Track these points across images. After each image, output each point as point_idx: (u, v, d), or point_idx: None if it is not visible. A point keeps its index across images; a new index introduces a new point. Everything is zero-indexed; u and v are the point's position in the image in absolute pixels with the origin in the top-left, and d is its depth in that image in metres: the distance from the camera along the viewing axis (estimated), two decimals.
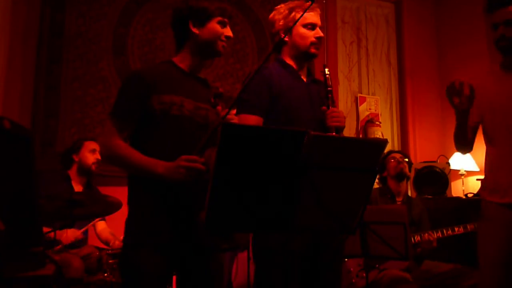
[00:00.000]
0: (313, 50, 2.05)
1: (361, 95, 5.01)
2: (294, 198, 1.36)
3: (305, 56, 2.08)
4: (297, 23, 2.01)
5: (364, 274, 2.65)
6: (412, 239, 2.91)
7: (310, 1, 1.91)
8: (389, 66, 5.23)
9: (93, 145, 3.24)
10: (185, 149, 1.66)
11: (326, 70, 2.03)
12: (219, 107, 1.76)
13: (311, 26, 2.05)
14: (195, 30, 1.80)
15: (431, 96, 5.15)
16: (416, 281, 2.94)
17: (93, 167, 3.21)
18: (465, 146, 2.36)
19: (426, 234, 2.98)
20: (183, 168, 1.58)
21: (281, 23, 2.06)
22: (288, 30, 2.02)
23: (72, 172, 3.22)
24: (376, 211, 2.54)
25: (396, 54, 5.26)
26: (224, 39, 1.82)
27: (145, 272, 1.62)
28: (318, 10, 2.09)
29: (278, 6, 2.11)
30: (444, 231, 2.97)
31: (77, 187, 3.20)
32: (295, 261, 1.86)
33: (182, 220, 1.68)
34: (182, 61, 1.84)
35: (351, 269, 3.02)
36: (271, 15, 2.12)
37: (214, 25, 1.80)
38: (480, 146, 4.09)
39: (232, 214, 1.37)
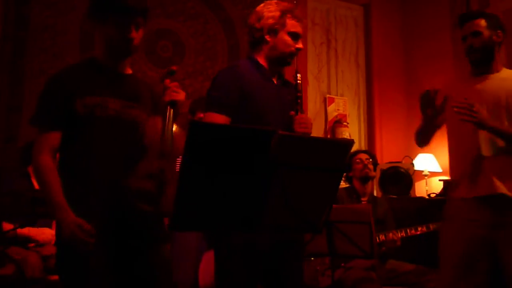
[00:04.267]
0: (288, 60, 2.04)
1: (329, 95, 5.08)
2: (262, 197, 1.37)
3: (280, 62, 2.06)
4: (284, 29, 1.99)
5: (330, 273, 2.69)
6: (377, 238, 2.97)
7: (294, 3, 1.90)
8: (358, 68, 5.32)
9: None
10: (112, 150, 1.64)
11: (298, 75, 2.01)
12: (166, 80, 1.70)
13: (295, 36, 2.02)
14: (96, 28, 1.72)
15: (397, 97, 5.26)
16: (380, 280, 3.00)
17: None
18: (425, 143, 2.48)
19: (391, 233, 3.05)
20: (71, 231, 1.53)
21: (269, 22, 2.00)
22: (274, 32, 2.00)
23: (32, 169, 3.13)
24: (342, 210, 2.58)
25: (364, 56, 5.34)
26: (122, 38, 1.67)
27: (87, 273, 1.58)
28: (304, 20, 2.08)
29: (269, 2, 2.06)
30: (408, 231, 3.04)
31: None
32: (259, 260, 1.86)
33: (118, 210, 1.64)
34: (101, 56, 1.75)
35: (318, 267, 3.05)
36: (260, 8, 2.05)
37: (107, 28, 1.67)
38: (442, 148, 4.20)
39: (199, 213, 1.36)
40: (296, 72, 2.02)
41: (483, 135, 2.24)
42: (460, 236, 2.26)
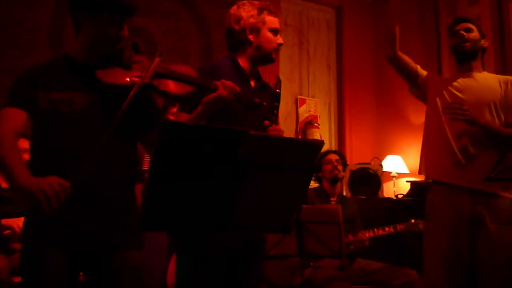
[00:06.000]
0: (274, 56, 2.04)
1: (301, 97, 5.12)
2: (232, 197, 1.37)
3: (265, 60, 2.05)
4: (264, 26, 2.00)
5: (300, 272, 2.71)
6: (346, 237, 3.01)
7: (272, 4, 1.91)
8: (329, 70, 5.38)
9: (24, 144, 3.06)
10: (77, 144, 1.58)
11: (279, 85, 1.99)
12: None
13: (275, 32, 2.03)
14: (82, 22, 1.67)
15: (367, 100, 5.35)
16: (348, 279, 3.04)
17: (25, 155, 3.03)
18: (389, 39, 2.55)
19: (359, 233, 3.10)
20: (40, 191, 1.38)
21: (251, 21, 1.99)
22: (256, 31, 1.99)
23: None
24: (312, 210, 2.61)
25: (335, 58, 5.42)
26: (113, 35, 1.64)
27: (44, 275, 1.53)
28: (279, 15, 2.09)
29: (242, 3, 2.05)
30: (376, 231, 3.10)
31: (4, 184, 3.02)
32: (222, 260, 1.85)
33: (83, 213, 1.58)
34: (78, 53, 1.71)
35: (287, 267, 3.07)
36: (235, 10, 2.04)
37: (101, 22, 1.63)
38: (410, 150, 4.31)
39: (169, 213, 1.36)
40: (278, 81, 2.00)
41: (473, 132, 2.34)
42: (443, 235, 2.34)
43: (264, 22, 2.00)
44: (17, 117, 1.60)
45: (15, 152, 1.52)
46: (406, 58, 2.59)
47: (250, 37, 2.00)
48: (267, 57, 2.03)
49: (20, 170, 1.46)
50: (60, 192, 1.40)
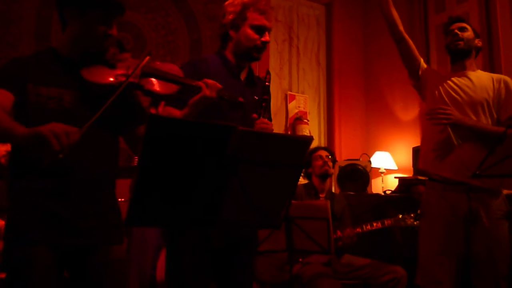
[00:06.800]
0: (255, 54, 1.99)
1: (290, 93, 5.12)
2: (221, 193, 1.37)
3: (246, 57, 2.01)
4: (246, 23, 1.96)
5: (288, 268, 2.72)
6: (334, 233, 3.02)
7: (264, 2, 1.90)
8: (318, 66, 5.39)
9: (3, 147, 3.02)
10: None
11: (268, 77, 1.96)
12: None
13: (259, 30, 1.97)
14: (70, 17, 1.64)
15: (356, 96, 5.37)
16: (336, 274, 3.06)
17: (2, 160, 3.00)
18: (390, 24, 2.56)
19: (348, 229, 3.11)
20: (49, 131, 1.32)
21: (230, 17, 1.97)
22: (236, 27, 1.97)
23: None
24: (301, 206, 2.61)
25: (325, 54, 5.42)
26: (101, 33, 1.61)
27: (32, 273, 1.51)
28: (271, 12, 2.02)
29: None
30: (364, 226, 3.11)
31: None
32: (209, 256, 1.85)
33: (68, 211, 1.57)
34: (64, 48, 1.68)
35: (275, 263, 3.08)
36: (226, 3, 2.02)
37: (90, 19, 1.60)
38: (398, 146, 4.33)
39: (157, 208, 1.35)
40: (267, 73, 1.97)
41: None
42: (440, 232, 2.37)
43: (244, 19, 1.96)
44: (5, 96, 1.55)
45: (7, 118, 1.47)
46: (412, 43, 2.61)
47: (230, 32, 1.99)
48: (247, 54, 1.99)
49: (18, 126, 1.43)
50: (69, 133, 1.36)
